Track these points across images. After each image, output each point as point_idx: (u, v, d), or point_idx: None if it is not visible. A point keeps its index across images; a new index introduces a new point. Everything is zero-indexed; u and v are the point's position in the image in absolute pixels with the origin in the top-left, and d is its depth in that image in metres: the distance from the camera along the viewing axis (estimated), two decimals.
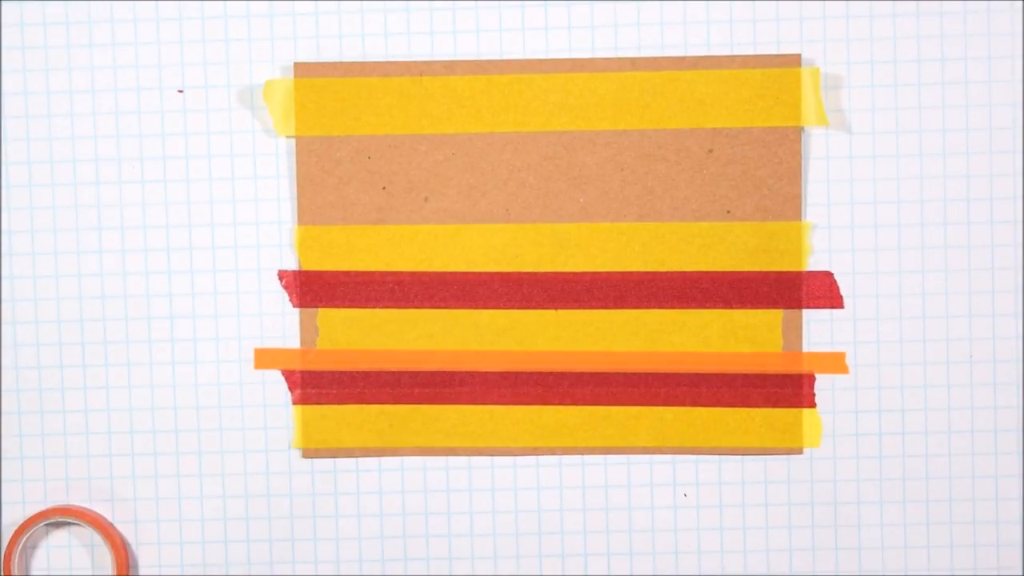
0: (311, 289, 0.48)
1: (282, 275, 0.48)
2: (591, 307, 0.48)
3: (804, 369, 0.48)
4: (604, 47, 0.48)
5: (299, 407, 0.48)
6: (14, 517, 0.49)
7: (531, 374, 0.48)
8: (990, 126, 0.47)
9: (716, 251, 0.48)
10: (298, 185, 0.48)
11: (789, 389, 0.48)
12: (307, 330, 0.48)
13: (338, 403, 0.48)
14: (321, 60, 0.48)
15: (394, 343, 0.48)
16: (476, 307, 0.48)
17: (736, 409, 0.48)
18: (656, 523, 0.49)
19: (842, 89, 0.48)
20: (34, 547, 0.49)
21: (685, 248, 0.48)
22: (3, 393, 0.49)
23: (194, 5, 0.48)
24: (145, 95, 0.48)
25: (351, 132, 0.48)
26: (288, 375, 0.48)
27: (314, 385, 0.48)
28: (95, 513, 0.48)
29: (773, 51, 0.47)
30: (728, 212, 0.47)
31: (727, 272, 0.48)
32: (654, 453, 0.48)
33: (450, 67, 0.47)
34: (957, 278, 0.48)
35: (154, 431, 0.49)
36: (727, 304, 0.48)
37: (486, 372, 0.48)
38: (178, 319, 0.49)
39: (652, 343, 0.48)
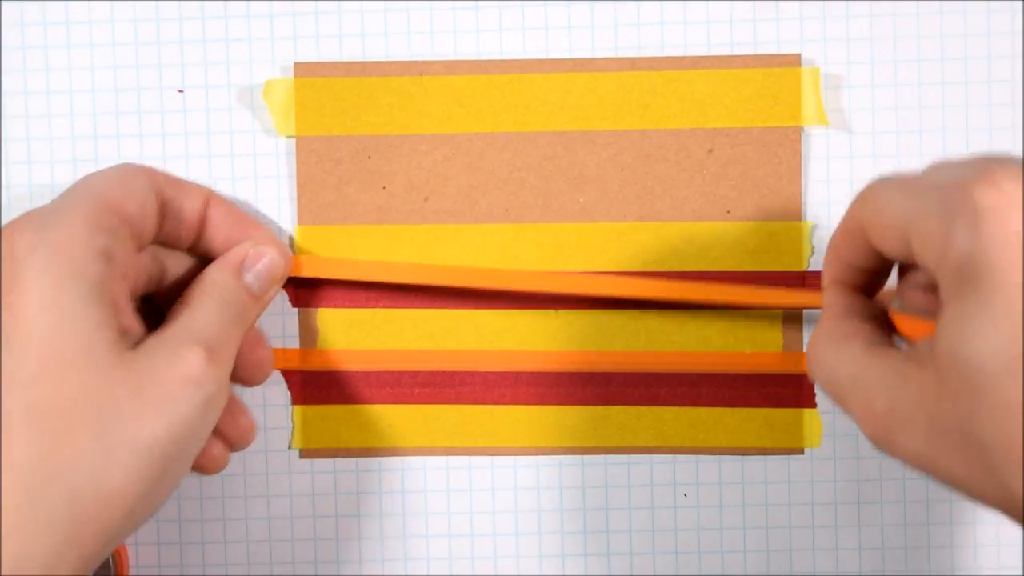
0: (311, 289, 0.48)
1: None
2: (591, 307, 0.48)
3: (804, 369, 0.48)
4: (604, 47, 0.48)
5: (299, 407, 0.48)
6: None
7: (531, 374, 0.48)
8: (990, 126, 0.47)
9: (716, 251, 0.48)
10: (298, 185, 0.48)
11: (789, 389, 0.48)
12: (307, 330, 0.48)
13: (338, 403, 0.48)
14: (321, 60, 0.48)
15: (394, 343, 0.48)
16: (476, 307, 0.48)
17: (736, 409, 0.48)
18: (656, 523, 0.49)
19: (842, 89, 0.48)
20: None
21: (685, 248, 0.48)
22: None
23: (194, 5, 0.48)
24: (145, 95, 0.48)
25: (351, 132, 0.48)
26: (288, 375, 0.48)
27: (314, 385, 0.48)
28: None
29: (773, 51, 0.47)
30: (728, 212, 0.47)
31: (727, 272, 0.48)
32: (654, 453, 0.48)
33: (450, 67, 0.48)
34: None
35: None
36: (727, 304, 0.48)
37: (486, 372, 0.48)
38: None
39: (652, 343, 0.48)
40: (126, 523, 0.37)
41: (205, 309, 0.41)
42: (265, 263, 0.44)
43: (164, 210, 0.42)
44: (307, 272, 0.47)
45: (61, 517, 0.35)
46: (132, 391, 0.37)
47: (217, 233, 0.44)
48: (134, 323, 0.39)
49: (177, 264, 0.44)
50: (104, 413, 0.36)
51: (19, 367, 0.35)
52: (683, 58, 0.47)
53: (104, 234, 0.38)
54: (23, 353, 0.36)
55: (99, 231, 0.38)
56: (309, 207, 0.48)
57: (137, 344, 0.38)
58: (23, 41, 0.48)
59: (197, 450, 0.39)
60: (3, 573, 0.34)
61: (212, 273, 0.43)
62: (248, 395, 0.48)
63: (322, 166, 0.48)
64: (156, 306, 0.45)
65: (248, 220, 0.45)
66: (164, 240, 0.44)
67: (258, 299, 0.43)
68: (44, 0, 0.48)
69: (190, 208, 0.43)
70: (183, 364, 0.38)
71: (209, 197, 0.44)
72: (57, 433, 0.35)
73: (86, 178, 0.41)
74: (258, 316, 0.44)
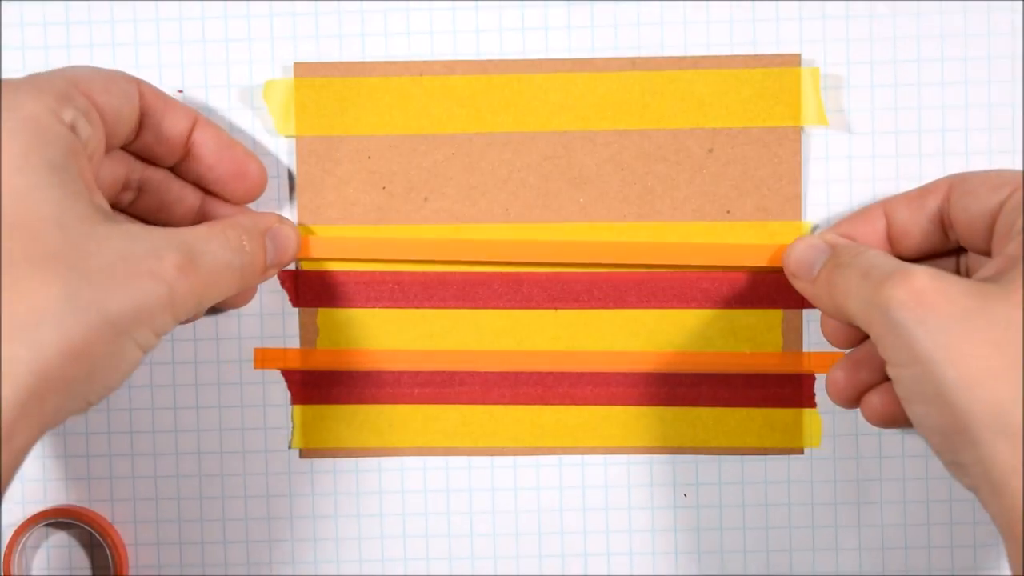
0: (311, 289, 0.48)
1: (282, 275, 0.48)
2: (591, 307, 0.48)
3: (804, 369, 0.48)
4: (604, 47, 0.48)
5: (299, 407, 0.48)
6: (14, 517, 0.49)
7: (531, 374, 0.48)
8: (990, 126, 0.47)
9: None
10: (298, 185, 0.48)
11: (789, 389, 0.48)
12: (307, 330, 0.48)
13: (338, 403, 0.48)
14: (321, 60, 0.48)
15: (394, 343, 0.48)
16: (476, 307, 0.48)
17: (736, 409, 0.48)
18: (656, 523, 0.49)
19: (842, 89, 0.48)
20: (34, 547, 0.49)
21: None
22: None
23: (194, 5, 0.48)
24: None
25: (351, 132, 0.48)
26: (288, 375, 0.48)
27: (314, 385, 0.48)
28: (95, 513, 0.48)
29: (773, 51, 0.47)
30: (728, 212, 0.47)
31: (727, 272, 0.48)
32: (654, 453, 0.48)
33: (450, 67, 0.48)
34: None
35: (154, 431, 0.49)
36: (727, 304, 0.48)
37: (486, 372, 0.48)
38: None
39: (652, 343, 0.48)
40: (84, 387, 0.36)
41: (212, 234, 0.41)
42: (286, 241, 0.45)
43: (144, 121, 0.43)
44: (313, 253, 0.47)
45: (25, 368, 0.34)
46: (103, 264, 0.36)
47: (204, 157, 0.44)
48: (104, 201, 0.39)
49: (157, 181, 0.45)
50: (75, 274, 0.35)
51: None
52: (683, 58, 0.47)
53: (72, 110, 0.38)
54: None
55: (67, 105, 0.38)
56: (309, 207, 0.48)
57: (118, 223, 0.38)
58: (23, 41, 0.48)
59: (157, 340, 0.39)
60: None
61: (241, 218, 0.43)
62: (248, 395, 0.48)
63: (322, 166, 0.48)
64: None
65: (238, 147, 0.45)
66: (142, 153, 0.44)
67: (264, 269, 0.43)
68: (44, 0, 0.48)
69: (171, 126, 0.43)
70: (159, 264, 0.38)
71: (196, 120, 0.44)
72: (27, 285, 0.35)
73: (70, 66, 0.41)
74: (248, 285, 0.43)
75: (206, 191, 0.45)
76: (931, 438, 0.38)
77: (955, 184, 0.42)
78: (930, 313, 0.36)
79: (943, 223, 0.43)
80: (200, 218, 0.45)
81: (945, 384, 0.36)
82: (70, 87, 0.39)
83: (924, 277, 0.37)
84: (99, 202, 0.38)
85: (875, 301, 0.38)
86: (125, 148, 0.43)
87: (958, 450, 0.36)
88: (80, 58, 0.48)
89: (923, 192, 0.44)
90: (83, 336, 0.35)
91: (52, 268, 0.35)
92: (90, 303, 0.36)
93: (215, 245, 0.41)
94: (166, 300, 0.38)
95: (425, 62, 0.48)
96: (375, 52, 0.48)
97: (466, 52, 0.48)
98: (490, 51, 0.48)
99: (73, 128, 0.38)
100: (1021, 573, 0.35)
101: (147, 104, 0.42)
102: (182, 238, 0.39)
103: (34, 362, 0.34)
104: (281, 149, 0.48)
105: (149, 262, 0.37)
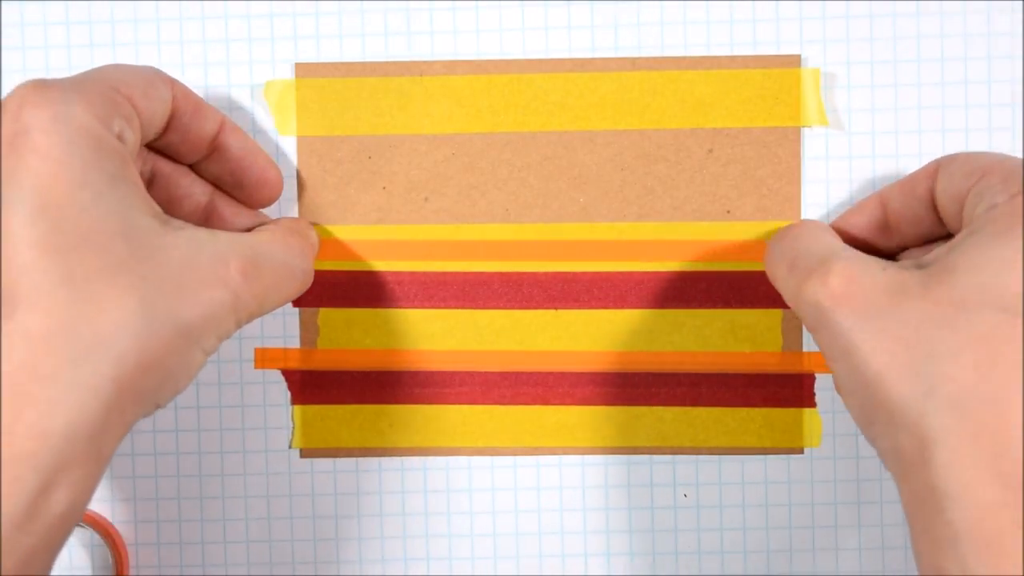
0: (311, 289, 0.48)
1: None
2: (591, 307, 0.48)
3: (804, 369, 0.48)
4: (604, 47, 0.48)
5: (299, 407, 0.48)
6: None
7: (531, 374, 0.48)
8: (990, 126, 0.47)
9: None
10: (298, 185, 0.48)
11: (789, 389, 0.48)
12: (307, 330, 0.48)
13: (338, 403, 0.48)
14: (321, 60, 0.48)
15: (394, 343, 0.48)
16: (476, 307, 0.48)
17: (736, 409, 0.48)
18: (656, 523, 0.49)
19: (842, 89, 0.48)
20: None
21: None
22: None
23: (194, 5, 0.48)
24: None
25: (351, 132, 0.48)
26: (288, 375, 0.48)
27: (314, 385, 0.48)
28: (95, 513, 0.48)
29: (773, 51, 0.47)
30: (728, 212, 0.47)
31: (727, 272, 0.48)
32: (654, 453, 0.48)
33: (450, 67, 0.48)
34: None
35: (154, 431, 0.49)
36: (727, 304, 0.48)
37: (486, 372, 0.48)
38: None
39: (652, 343, 0.48)
40: (155, 394, 0.37)
41: (274, 239, 0.42)
42: (316, 247, 0.47)
43: (172, 123, 0.43)
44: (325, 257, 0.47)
45: (107, 382, 0.35)
46: (172, 273, 0.37)
47: (229, 161, 0.45)
48: (158, 208, 0.39)
49: (167, 175, 0.44)
50: (147, 285, 0.36)
51: (56, 236, 0.35)
52: (683, 58, 0.47)
53: (120, 119, 0.38)
54: (61, 223, 0.35)
55: (116, 115, 0.38)
56: (309, 207, 0.48)
57: (179, 229, 0.38)
58: (23, 41, 0.48)
59: (219, 344, 0.39)
60: (55, 442, 0.34)
61: (289, 223, 0.45)
62: (248, 395, 0.48)
63: (322, 166, 0.48)
64: None
65: (261, 154, 0.45)
66: (164, 149, 0.44)
67: (308, 273, 0.44)
68: (44, 0, 0.48)
69: (199, 128, 0.43)
70: (225, 270, 0.38)
71: (223, 123, 0.44)
72: (104, 299, 0.35)
73: (109, 65, 0.41)
74: (305, 289, 0.44)
75: (221, 190, 0.45)
76: (860, 428, 0.39)
77: (942, 164, 0.42)
78: (848, 311, 0.37)
79: (935, 206, 0.43)
80: (206, 216, 0.45)
81: (864, 377, 0.37)
82: (115, 93, 0.39)
83: (841, 275, 0.38)
84: (156, 210, 0.38)
85: (801, 298, 0.39)
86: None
87: (875, 439, 0.38)
88: (80, 58, 0.48)
89: (914, 176, 0.43)
90: (158, 347, 0.36)
91: (125, 280, 0.35)
92: (164, 313, 0.36)
93: (277, 250, 0.41)
94: (231, 306, 0.38)
95: (425, 62, 0.48)
96: (375, 52, 0.48)
97: (466, 52, 0.48)
98: (490, 51, 0.48)
99: (120, 137, 0.38)
100: (922, 559, 0.36)
101: (178, 106, 0.42)
102: (246, 242, 0.40)
103: (116, 375, 0.35)
104: (281, 149, 0.48)
105: (216, 268, 0.38)
